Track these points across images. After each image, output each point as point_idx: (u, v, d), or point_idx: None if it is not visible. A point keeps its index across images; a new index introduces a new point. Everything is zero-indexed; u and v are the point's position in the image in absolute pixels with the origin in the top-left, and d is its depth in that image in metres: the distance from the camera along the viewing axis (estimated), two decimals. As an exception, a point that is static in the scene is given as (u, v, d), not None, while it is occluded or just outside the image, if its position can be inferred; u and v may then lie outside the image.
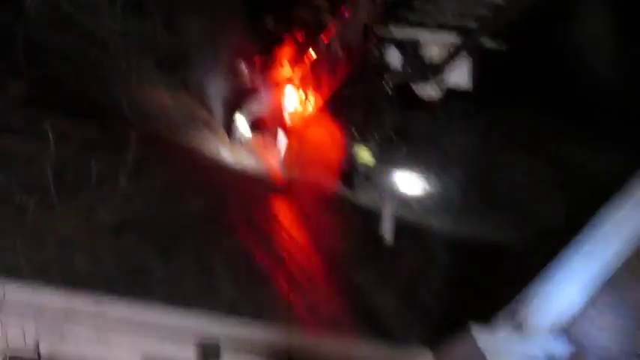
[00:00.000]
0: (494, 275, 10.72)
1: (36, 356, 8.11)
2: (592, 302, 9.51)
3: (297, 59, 12.83)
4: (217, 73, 12.48)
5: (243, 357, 9.58)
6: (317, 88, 12.12)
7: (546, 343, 9.32)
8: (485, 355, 8.90)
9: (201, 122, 12.03)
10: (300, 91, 12.46)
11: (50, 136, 9.82)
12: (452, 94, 11.63)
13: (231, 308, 9.77)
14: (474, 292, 10.66)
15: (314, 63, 12.37)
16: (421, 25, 11.66)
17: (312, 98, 12.16)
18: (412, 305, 10.82)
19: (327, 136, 12.18)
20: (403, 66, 11.55)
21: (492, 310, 9.57)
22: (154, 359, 9.37)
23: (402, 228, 11.00)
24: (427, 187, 11.57)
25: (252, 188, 11.04)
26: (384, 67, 11.93)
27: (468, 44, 11.40)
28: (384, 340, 10.02)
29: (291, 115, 12.19)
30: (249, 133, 12.09)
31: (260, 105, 11.66)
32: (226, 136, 12.16)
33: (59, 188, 9.55)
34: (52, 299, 8.44)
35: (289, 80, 12.03)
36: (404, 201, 10.98)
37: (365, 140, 11.13)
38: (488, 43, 11.77)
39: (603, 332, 9.67)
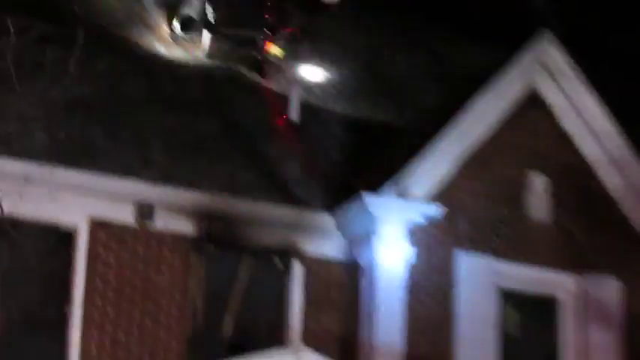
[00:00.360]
0: (383, 150, 12.22)
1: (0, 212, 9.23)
2: (462, 173, 11.29)
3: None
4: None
5: (173, 216, 11.11)
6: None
7: (424, 207, 11.01)
8: (374, 216, 10.65)
9: (141, 20, 12.84)
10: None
11: (11, 30, 10.78)
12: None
13: (164, 177, 10.99)
14: (366, 164, 12.08)
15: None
16: None
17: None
18: (314, 174, 12.08)
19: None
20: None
21: (380, 179, 11.15)
22: (98, 218, 10.86)
23: (307, 109, 12.30)
24: (327, 75, 12.83)
25: (184, 75, 12.12)
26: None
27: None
28: (290, 203, 11.40)
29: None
30: (182, 31, 12.93)
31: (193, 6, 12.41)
32: (164, 33, 12.98)
33: (19, 73, 10.43)
34: (13, 166, 9.72)
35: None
36: (308, 87, 12.39)
37: (275, 37, 12.45)
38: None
39: (472, 198, 11.47)
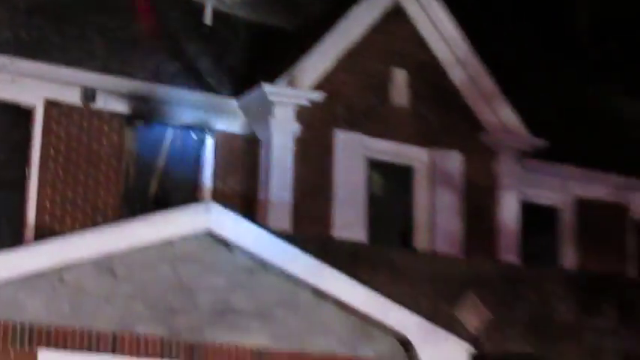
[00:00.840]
0: (279, 49, 13.92)
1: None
2: (340, 67, 13.12)
3: None
4: None
5: (111, 99, 12.74)
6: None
7: (309, 94, 12.95)
8: (270, 101, 12.53)
9: None
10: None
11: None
12: None
13: (104, 67, 12.69)
14: (266, 60, 13.88)
15: None
16: None
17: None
18: (223, 66, 13.90)
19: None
20: None
21: (276, 72, 12.95)
22: (51, 99, 12.55)
23: (218, 15, 13.93)
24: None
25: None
26: None
27: None
28: (205, 89, 13.20)
29: None
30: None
31: None
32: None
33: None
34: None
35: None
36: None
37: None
38: None
39: (347, 87, 13.20)
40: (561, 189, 15.70)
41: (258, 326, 10.06)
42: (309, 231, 12.83)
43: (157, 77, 13.34)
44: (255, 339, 9.99)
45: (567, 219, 15.87)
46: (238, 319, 10.01)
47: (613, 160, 15.95)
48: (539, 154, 15.01)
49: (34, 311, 9.23)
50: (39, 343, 9.07)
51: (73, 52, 13.07)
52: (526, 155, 14.89)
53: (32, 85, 12.37)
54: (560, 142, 15.08)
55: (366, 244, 13.25)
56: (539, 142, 14.65)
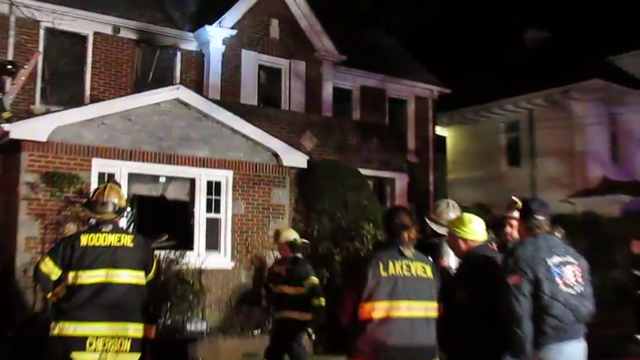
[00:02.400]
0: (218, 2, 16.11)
1: None
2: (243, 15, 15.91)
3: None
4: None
5: (127, 31, 15.05)
6: None
7: (229, 31, 15.94)
8: (210, 35, 15.36)
9: None
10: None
11: None
12: None
13: (123, 14, 15.09)
14: (211, 7, 16.27)
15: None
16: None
17: None
18: (186, 11, 16.40)
19: None
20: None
21: (215, 16, 15.63)
22: (97, 31, 15.02)
23: None
24: None
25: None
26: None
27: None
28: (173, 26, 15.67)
29: None
30: None
31: None
32: None
33: None
34: None
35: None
36: None
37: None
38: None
39: (250, 26, 16.06)
40: (352, 80, 19.46)
41: (202, 146, 11.94)
42: (228, 100, 15.15)
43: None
44: (201, 153, 11.96)
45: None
46: (193, 142, 11.91)
47: (376, 62, 19.42)
48: (344, 64, 18.43)
49: (89, 138, 10.96)
50: (92, 155, 10.91)
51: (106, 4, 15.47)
52: (336, 64, 18.29)
53: (86, 23, 15.18)
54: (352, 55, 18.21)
55: (256, 106, 15.98)
56: (343, 57, 18.03)
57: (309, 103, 17.23)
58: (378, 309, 4.32)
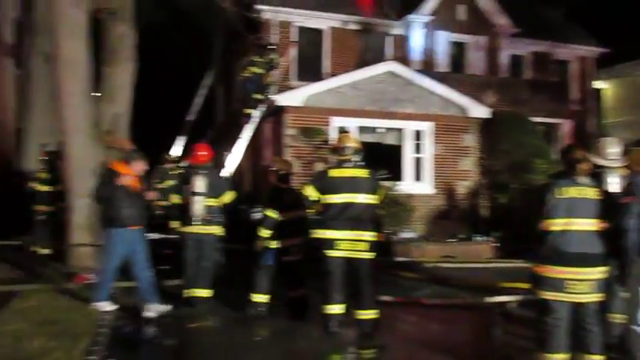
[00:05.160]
0: None
1: None
2: None
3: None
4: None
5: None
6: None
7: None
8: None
9: None
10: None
11: None
12: None
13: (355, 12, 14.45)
14: None
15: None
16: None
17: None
18: None
19: None
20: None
21: None
22: (332, 26, 14.46)
23: None
24: None
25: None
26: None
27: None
28: None
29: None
30: None
31: None
32: None
33: None
34: None
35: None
36: None
37: None
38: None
39: None
40: (523, 47, 17.03)
41: (409, 105, 11.76)
42: (427, 69, 13.68)
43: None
44: (408, 110, 11.58)
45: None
46: (402, 102, 11.64)
47: (544, 31, 16.96)
48: (517, 35, 16.47)
49: (329, 102, 11.31)
50: (332, 115, 11.27)
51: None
52: (511, 35, 16.40)
53: (323, 21, 15.02)
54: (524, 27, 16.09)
55: (448, 72, 14.37)
56: (516, 30, 16.09)
57: (490, 68, 16.23)
58: (557, 224, 4.17)
